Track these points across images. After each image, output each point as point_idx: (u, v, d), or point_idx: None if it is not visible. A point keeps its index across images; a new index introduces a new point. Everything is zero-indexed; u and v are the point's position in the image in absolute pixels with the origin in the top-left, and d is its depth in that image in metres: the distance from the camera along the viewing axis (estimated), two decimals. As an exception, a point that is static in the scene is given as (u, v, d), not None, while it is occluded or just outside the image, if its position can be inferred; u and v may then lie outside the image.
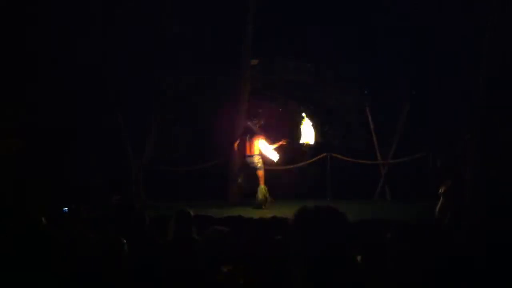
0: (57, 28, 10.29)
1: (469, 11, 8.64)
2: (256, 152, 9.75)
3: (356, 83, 11.80)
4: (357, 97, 12.04)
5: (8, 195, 9.14)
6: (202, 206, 8.36)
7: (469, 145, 7.25)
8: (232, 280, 3.31)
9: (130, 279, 3.49)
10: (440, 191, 6.91)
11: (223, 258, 3.39)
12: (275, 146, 9.90)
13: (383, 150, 11.74)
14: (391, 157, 11.62)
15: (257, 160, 9.71)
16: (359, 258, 2.85)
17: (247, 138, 9.79)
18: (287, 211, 7.11)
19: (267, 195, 9.65)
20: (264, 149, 9.81)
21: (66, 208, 5.37)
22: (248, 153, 9.76)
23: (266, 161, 9.89)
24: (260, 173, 9.73)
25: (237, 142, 9.93)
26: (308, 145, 10.11)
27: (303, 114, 10.30)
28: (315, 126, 10.16)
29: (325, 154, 11.21)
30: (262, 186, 9.67)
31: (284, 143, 9.90)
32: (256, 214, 8.14)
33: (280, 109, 12.06)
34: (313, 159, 11.29)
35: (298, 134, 10.25)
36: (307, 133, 10.05)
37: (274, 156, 9.91)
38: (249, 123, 10.00)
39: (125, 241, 3.54)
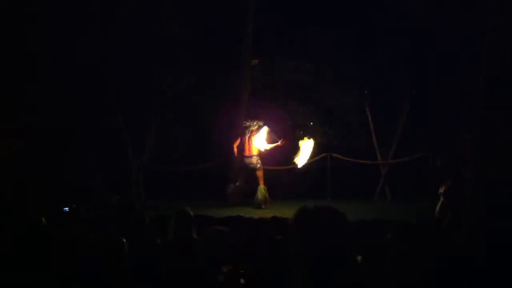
0: (57, 28, 10.28)
1: (469, 11, 8.64)
2: (255, 152, 9.77)
3: (356, 83, 11.80)
4: (357, 97, 12.05)
5: (8, 195, 9.13)
6: (202, 206, 8.36)
7: (469, 145, 7.25)
8: (232, 280, 3.31)
9: (130, 279, 3.49)
10: (440, 191, 6.91)
11: (223, 258, 3.39)
12: (271, 146, 9.89)
13: (383, 150, 11.74)
14: (391, 157, 11.63)
15: (255, 160, 9.72)
16: (359, 258, 2.86)
17: (246, 138, 9.80)
18: (287, 211, 7.13)
19: (267, 195, 9.65)
20: (261, 144, 9.81)
21: (67, 208, 5.36)
22: (246, 153, 9.77)
23: (265, 161, 9.90)
24: (260, 173, 9.73)
25: (236, 143, 9.93)
26: (295, 166, 9.97)
27: (306, 136, 10.10)
28: (313, 149, 10.00)
29: (325, 154, 11.22)
30: (261, 186, 9.67)
31: (280, 145, 9.87)
32: (256, 214, 8.16)
33: (280, 111, 12.00)
34: (313, 159, 11.28)
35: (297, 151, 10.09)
36: (303, 154, 9.90)
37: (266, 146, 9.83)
38: (247, 123, 10.00)
39: (125, 241, 3.54)
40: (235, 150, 9.96)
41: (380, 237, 3.08)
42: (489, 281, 2.96)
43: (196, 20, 11.19)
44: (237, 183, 10.15)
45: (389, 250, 2.69)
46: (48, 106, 10.48)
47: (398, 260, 2.58)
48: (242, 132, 10.00)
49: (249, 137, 9.81)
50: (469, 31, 8.78)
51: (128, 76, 10.90)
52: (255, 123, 9.93)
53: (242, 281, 3.39)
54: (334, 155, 11.22)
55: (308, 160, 9.90)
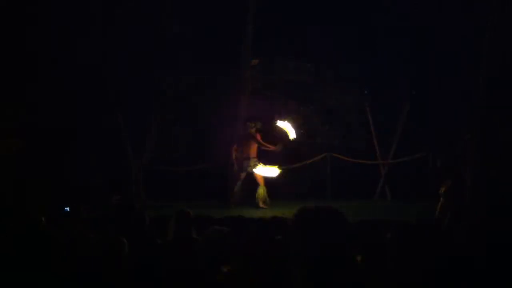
0: (57, 28, 10.28)
1: (469, 11, 8.64)
2: (253, 155, 9.77)
3: (356, 83, 11.80)
4: (357, 97, 12.04)
5: (8, 195, 9.14)
6: (202, 206, 8.37)
7: (469, 145, 7.25)
8: (232, 280, 3.31)
9: (130, 279, 3.49)
10: (440, 191, 6.91)
11: (223, 258, 3.39)
12: (266, 146, 9.89)
13: (383, 150, 11.74)
14: (391, 157, 11.63)
15: (253, 163, 9.72)
16: (359, 258, 2.86)
17: (244, 141, 9.80)
18: (287, 211, 7.12)
19: (267, 195, 9.66)
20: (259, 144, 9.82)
21: (68, 208, 5.36)
22: (245, 156, 9.77)
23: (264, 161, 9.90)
24: (259, 175, 9.73)
25: (235, 146, 9.92)
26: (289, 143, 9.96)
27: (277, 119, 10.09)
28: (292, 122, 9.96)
29: (325, 154, 11.21)
30: (261, 186, 9.68)
31: (275, 149, 9.85)
32: (256, 214, 8.16)
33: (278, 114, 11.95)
34: (313, 159, 11.29)
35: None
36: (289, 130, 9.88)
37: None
38: (246, 124, 10.00)
39: (125, 241, 3.54)
40: (234, 153, 9.94)
41: (380, 237, 3.08)
42: (489, 281, 2.96)
43: (196, 20, 11.18)
44: (237, 184, 10.14)
45: (389, 250, 2.69)
46: (48, 106, 10.49)
47: (398, 260, 2.58)
48: (241, 134, 10.01)
49: (248, 139, 9.81)
50: (469, 31, 8.78)
51: (128, 76, 10.90)
52: (253, 125, 9.93)
53: (242, 281, 3.39)
54: (334, 155, 11.22)
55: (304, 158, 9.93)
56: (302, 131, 10.90)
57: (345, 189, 10.59)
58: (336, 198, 10.31)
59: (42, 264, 3.54)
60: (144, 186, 11.23)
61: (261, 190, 9.65)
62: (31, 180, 10.00)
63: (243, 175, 9.92)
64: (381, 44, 11.34)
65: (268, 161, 9.91)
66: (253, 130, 9.86)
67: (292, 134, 9.79)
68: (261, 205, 9.54)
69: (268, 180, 9.81)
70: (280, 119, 9.91)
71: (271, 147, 9.82)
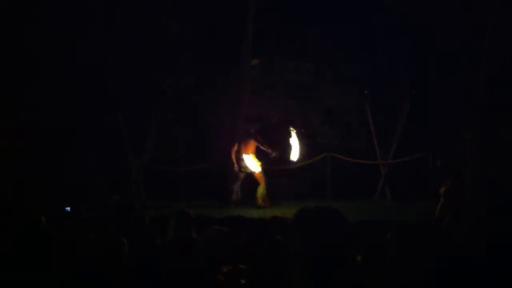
0: (57, 28, 10.28)
1: (469, 11, 8.64)
2: (251, 156, 9.78)
3: (356, 83, 11.79)
4: (357, 97, 12.04)
5: (8, 195, 9.14)
6: (202, 206, 8.37)
7: (469, 145, 7.25)
8: (232, 280, 3.31)
9: (130, 279, 3.49)
10: (440, 191, 6.91)
11: (223, 258, 3.39)
12: (264, 148, 9.89)
13: (383, 150, 11.73)
14: (391, 157, 11.61)
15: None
16: (359, 258, 2.86)
17: (243, 142, 9.80)
18: (287, 211, 7.12)
19: (267, 196, 9.66)
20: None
21: (68, 208, 5.36)
22: (244, 157, 9.78)
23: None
24: (258, 175, 9.73)
25: (234, 148, 9.91)
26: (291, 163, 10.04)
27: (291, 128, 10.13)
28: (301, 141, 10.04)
29: (325, 154, 11.21)
30: (261, 186, 9.68)
31: (271, 153, 9.85)
32: (256, 214, 8.17)
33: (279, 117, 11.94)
34: (313, 159, 11.28)
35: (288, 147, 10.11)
36: (294, 148, 9.95)
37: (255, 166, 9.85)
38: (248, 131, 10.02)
39: (125, 241, 3.54)
40: (233, 155, 9.93)
41: (380, 237, 3.08)
42: (489, 281, 2.96)
43: (196, 20, 11.19)
44: (236, 183, 10.14)
45: (389, 250, 2.69)
46: (48, 106, 10.49)
47: (398, 260, 2.58)
48: (240, 135, 10.02)
49: (247, 141, 9.81)
50: (469, 31, 8.78)
51: (128, 76, 10.90)
52: (252, 127, 9.94)
53: (242, 281, 3.39)
54: (334, 155, 11.21)
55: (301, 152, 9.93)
56: (302, 130, 10.91)
57: (345, 189, 10.58)
58: (336, 198, 10.30)
59: (42, 264, 3.54)
60: (144, 186, 11.23)
61: (261, 189, 9.65)
62: (31, 180, 10.00)
63: (242, 175, 9.92)
64: (381, 44, 11.33)
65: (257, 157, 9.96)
66: (254, 138, 9.86)
67: (294, 155, 9.83)
68: (260, 202, 9.54)
69: (268, 180, 9.82)
70: (293, 130, 9.96)
71: (269, 150, 9.83)
